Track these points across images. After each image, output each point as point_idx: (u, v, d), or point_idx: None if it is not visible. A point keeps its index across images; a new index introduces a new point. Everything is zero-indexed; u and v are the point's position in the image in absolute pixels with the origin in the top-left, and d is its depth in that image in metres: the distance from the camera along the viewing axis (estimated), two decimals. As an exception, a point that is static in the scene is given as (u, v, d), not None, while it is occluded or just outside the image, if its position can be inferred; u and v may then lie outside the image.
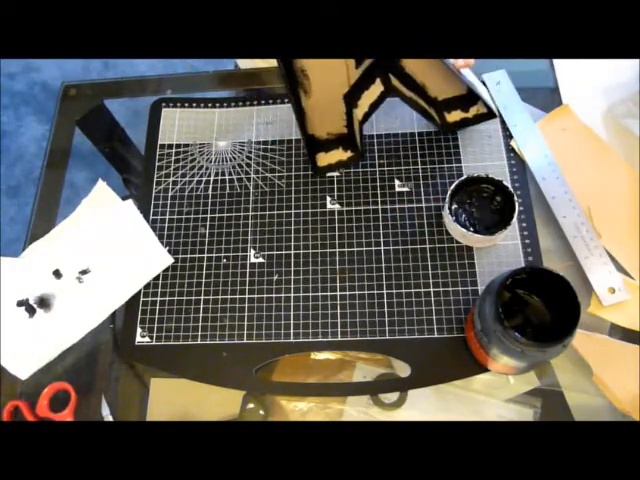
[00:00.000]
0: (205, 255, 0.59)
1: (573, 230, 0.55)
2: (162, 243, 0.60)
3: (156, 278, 0.58)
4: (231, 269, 0.58)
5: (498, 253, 0.56)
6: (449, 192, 0.55)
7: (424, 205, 0.59)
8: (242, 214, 0.61)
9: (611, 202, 0.57)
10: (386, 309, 0.54)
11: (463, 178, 0.55)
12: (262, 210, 0.61)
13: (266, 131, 0.66)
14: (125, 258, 0.59)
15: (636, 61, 0.63)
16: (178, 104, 0.68)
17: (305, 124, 0.57)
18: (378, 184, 0.61)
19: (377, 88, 0.57)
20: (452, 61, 0.51)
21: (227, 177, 0.63)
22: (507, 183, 0.54)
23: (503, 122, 0.62)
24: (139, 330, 0.56)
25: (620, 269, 0.53)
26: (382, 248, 0.57)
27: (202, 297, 0.57)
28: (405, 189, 0.60)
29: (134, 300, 0.58)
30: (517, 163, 0.60)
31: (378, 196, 0.60)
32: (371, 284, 0.56)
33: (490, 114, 0.61)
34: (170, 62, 1.52)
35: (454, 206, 0.56)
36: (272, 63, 0.51)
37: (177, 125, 0.67)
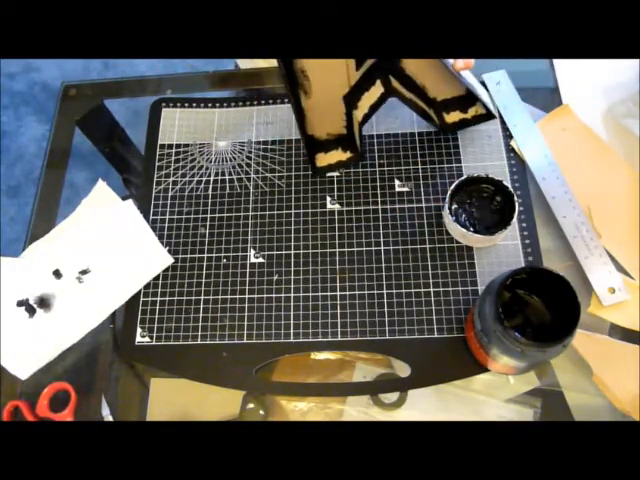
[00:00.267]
0: (205, 255, 0.59)
1: (573, 230, 0.55)
2: (162, 243, 0.60)
3: (156, 278, 0.58)
4: (231, 269, 0.58)
5: (498, 253, 0.56)
6: (449, 192, 0.55)
7: (424, 205, 0.59)
8: (242, 214, 0.61)
9: (611, 202, 0.57)
10: (386, 309, 0.54)
11: (463, 178, 0.55)
12: (262, 210, 0.61)
13: (266, 131, 0.66)
14: (125, 258, 0.59)
15: (636, 61, 0.63)
16: (178, 104, 0.68)
17: (305, 124, 0.57)
18: (378, 184, 0.61)
19: (377, 90, 0.57)
20: (451, 62, 0.51)
21: (227, 177, 0.63)
22: (507, 183, 0.54)
23: (503, 122, 0.62)
24: (139, 330, 0.56)
25: (620, 269, 0.53)
26: (382, 248, 0.57)
27: (202, 297, 0.57)
28: (405, 189, 0.60)
29: (134, 300, 0.58)
30: (517, 163, 0.60)
31: (378, 196, 0.60)
32: (371, 284, 0.56)
33: (489, 115, 0.61)
34: (170, 62, 1.52)
35: (454, 206, 0.56)
36: (272, 63, 0.51)
37: (177, 125, 0.67)
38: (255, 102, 0.67)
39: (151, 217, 0.62)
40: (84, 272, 0.59)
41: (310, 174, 0.62)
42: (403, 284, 0.55)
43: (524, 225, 0.56)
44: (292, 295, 0.56)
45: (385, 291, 0.55)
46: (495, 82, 0.64)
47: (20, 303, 0.57)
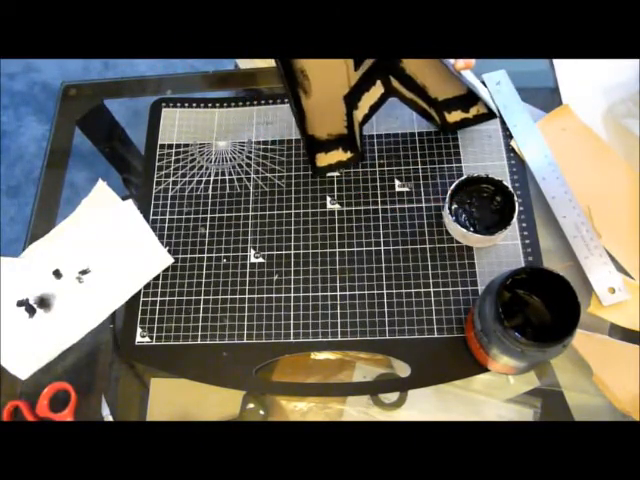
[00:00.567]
0: (205, 255, 0.59)
1: (573, 230, 0.55)
2: (162, 243, 0.60)
3: (156, 278, 0.58)
4: (231, 269, 0.58)
5: (498, 253, 0.56)
6: (449, 192, 0.55)
7: (424, 205, 0.59)
8: (242, 214, 0.61)
9: (611, 202, 0.57)
10: (386, 309, 0.54)
11: (463, 178, 0.55)
12: (262, 210, 0.61)
13: (266, 131, 0.66)
14: (125, 258, 0.59)
15: (636, 61, 0.63)
16: (178, 104, 0.68)
17: (305, 124, 0.57)
18: (378, 184, 0.61)
19: (377, 90, 0.57)
20: (452, 62, 0.51)
21: (227, 177, 0.63)
22: (507, 183, 0.54)
23: (503, 122, 0.62)
24: (139, 330, 0.56)
25: (620, 269, 0.53)
26: (382, 248, 0.57)
27: (202, 297, 0.57)
28: (405, 189, 0.60)
29: (134, 300, 0.57)
30: (517, 163, 0.60)
31: (378, 196, 0.60)
32: (371, 284, 0.56)
33: (490, 114, 0.61)
34: (170, 62, 1.51)
35: (454, 206, 0.56)
36: (272, 63, 0.51)
37: (177, 125, 0.67)
38: (255, 102, 0.67)
39: (151, 217, 0.62)
40: (84, 272, 0.59)
41: (310, 174, 0.62)
42: (403, 284, 0.55)
43: (524, 225, 0.56)
44: (292, 295, 0.56)
45: (385, 291, 0.55)
46: (495, 82, 0.64)
47: (20, 303, 0.57)
